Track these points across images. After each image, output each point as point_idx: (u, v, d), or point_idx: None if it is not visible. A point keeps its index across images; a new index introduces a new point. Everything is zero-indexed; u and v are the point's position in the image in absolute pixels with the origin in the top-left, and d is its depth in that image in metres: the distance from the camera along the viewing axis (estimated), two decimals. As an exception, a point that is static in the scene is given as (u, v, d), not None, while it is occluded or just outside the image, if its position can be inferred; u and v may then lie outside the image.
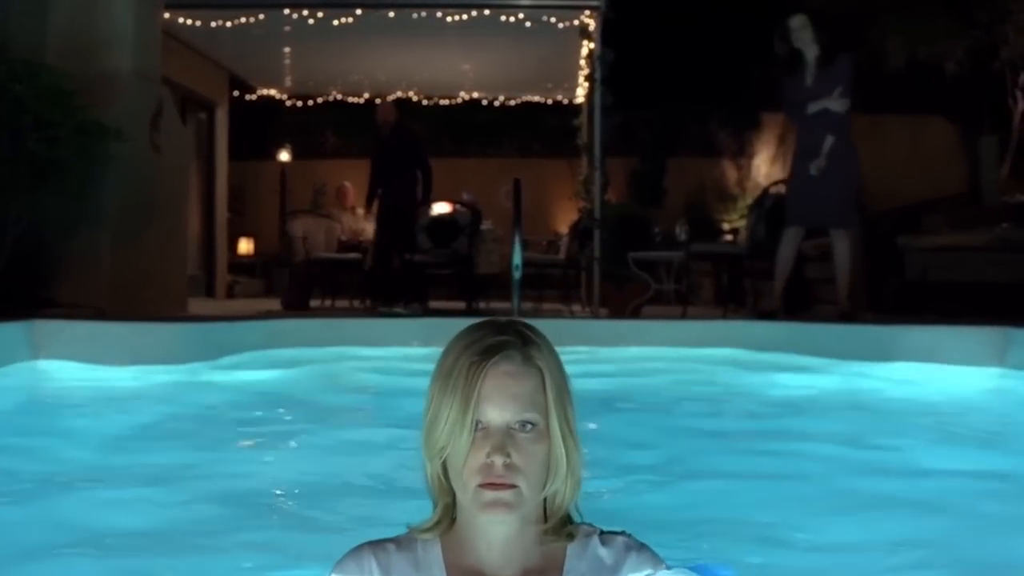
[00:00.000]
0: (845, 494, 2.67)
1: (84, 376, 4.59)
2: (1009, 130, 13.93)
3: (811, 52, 7.43)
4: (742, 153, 17.53)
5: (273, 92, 15.36)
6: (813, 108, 7.27)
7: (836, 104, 7.24)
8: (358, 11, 10.86)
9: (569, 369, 1.36)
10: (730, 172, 17.32)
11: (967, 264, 8.57)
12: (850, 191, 7.52)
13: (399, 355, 5.69)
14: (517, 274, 7.32)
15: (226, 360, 5.21)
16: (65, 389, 4.41)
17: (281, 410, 4.04)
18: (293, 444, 3.29)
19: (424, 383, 1.35)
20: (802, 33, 7.43)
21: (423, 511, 1.40)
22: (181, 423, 3.66)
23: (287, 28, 11.59)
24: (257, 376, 4.93)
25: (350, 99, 15.71)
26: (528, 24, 11.05)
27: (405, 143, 10.11)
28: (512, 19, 10.97)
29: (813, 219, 7.58)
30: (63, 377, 4.60)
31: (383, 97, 15.06)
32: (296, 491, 2.71)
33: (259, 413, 3.88)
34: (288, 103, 16.02)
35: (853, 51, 8.15)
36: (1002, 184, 13.69)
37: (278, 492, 2.69)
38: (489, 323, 1.40)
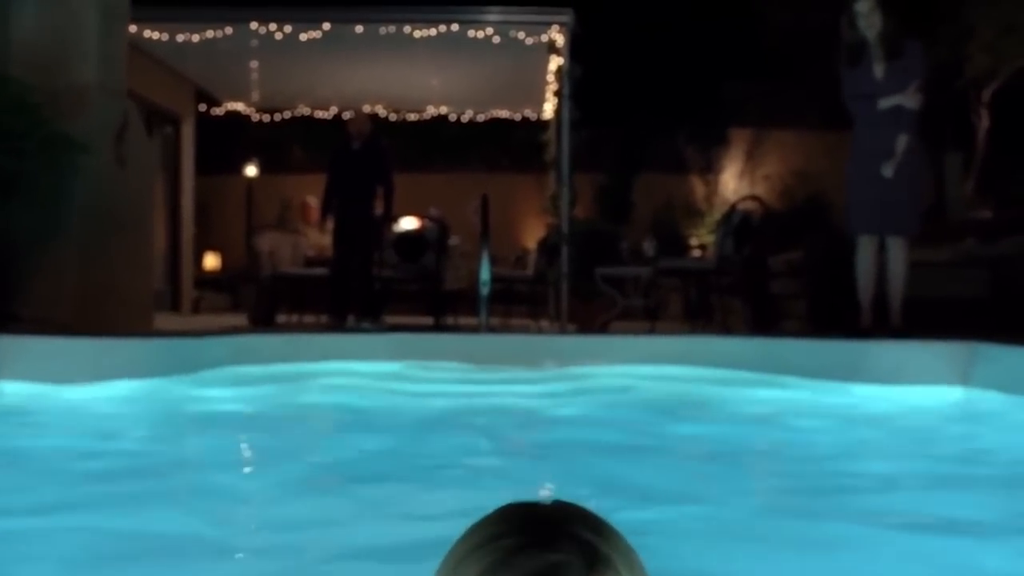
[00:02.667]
0: (809, 511, 2.66)
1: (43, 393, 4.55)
2: (973, 147, 14.13)
3: (879, 40, 6.61)
4: (709, 169, 17.71)
5: (240, 106, 15.31)
6: (885, 104, 6.55)
7: (911, 100, 6.53)
8: (326, 26, 10.87)
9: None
10: (697, 188, 17.48)
11: (932, 280, 8.58)
12: (919, 195, 6.94)
13: (367, 370, 5.70)
14: (485, 290, 7.29)
15: (197, 376, 5.19)
16: (24, 404, 4.36)
17: (248, 426, 4.01)
18: (261, 460, 3.27)
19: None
20: (870, 17, 6.59)
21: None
22: (148, 440, 3.62)
23: (254, 42, 11.58)
24: (225, 392, 4.90)
25: (317, 114, 15.69)
26: (496, 40, 11.09)
27: (375, 156, 9.91)
28: (480, 35, 11.02)
29: (883, 226, 6.76)
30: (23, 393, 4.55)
31: (352, 111, 15.07)
32: (265, 506, 2.67)
33: (226, 430, 3.85)
34: (255, 118, 15.97)
35: (919, 40, 7.21)
36: (966, 200, 13.87)
37: (247, 507, 2.67)
38: (525, 516, 0.85)
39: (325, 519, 2.51)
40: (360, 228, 9.62)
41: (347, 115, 10.68)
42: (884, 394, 5.15)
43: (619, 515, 2.21)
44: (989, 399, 4.86)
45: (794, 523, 2.51)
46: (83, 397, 4.54)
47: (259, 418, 4.25)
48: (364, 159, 9.79)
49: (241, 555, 2.26)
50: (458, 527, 0.85)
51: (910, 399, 5.05)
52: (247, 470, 3.20)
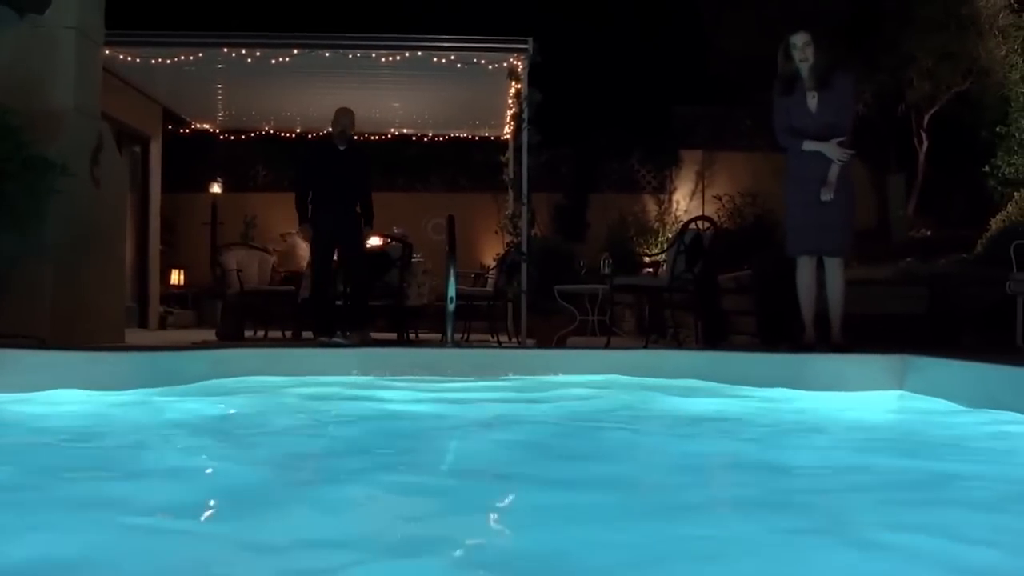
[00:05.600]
0: (755, 503, 2.78)
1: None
2: (914, 169, 14.64)
3: (812, 73, 6.96)
4: (662, 188, 18.12)
5: (206, 126, 15.53)
6: (809, 147, 6.88)
7: (835, 152, 6.86)
8: (295, 51, 11.13)
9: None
10: (650, 207, 17.87)
11: (874, 297, 8.93)
12: (852, 218, 7.19)
13: (340, 383, 5.94)
14: (452, 306, 7.53)
15: (176, 388, 5.42)
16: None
17: (223, 438, 4.03)
18: (235, 470, 3.24)
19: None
20: (805, 50, 6.93)
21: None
22: (128, 448, 3.67)
23: (223, 65, 11.79)
24: (204, 405, 5.09)
25: (282, 134, 15.95)
26: (459, 66, 11.41)
27: (362, 160, 9.34)
28: (444, 61, 11.33)
29: (818, 248, 7.08)
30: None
31: (316, 132, 15.36)
32: (237, 517, 2.55)
33: (204, 441, 3.95)
34: (221, 137, 16.19)
35: (850, 69, 7.66)
36: (909, 220, 14.37)
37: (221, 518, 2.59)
38: None
39: (300, 523, 2.49)
40: (353, 236, 9.08)
41: (339, 107, 9.54)
42: (827, 401, 5.49)
43: (572, 511, 2.49)
44: (920, 404, 5.29)
45: (742, 513, 2.66)
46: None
47: (234, 430, 4.25)
48: (351, 161, 9.18)
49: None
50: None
51: (851, 405, 5.41)
52: (223, 476, 3.18)
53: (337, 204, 9.07)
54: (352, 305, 9.34)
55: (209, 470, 3.27)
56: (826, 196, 6.85)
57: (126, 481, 2.96)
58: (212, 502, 2.69)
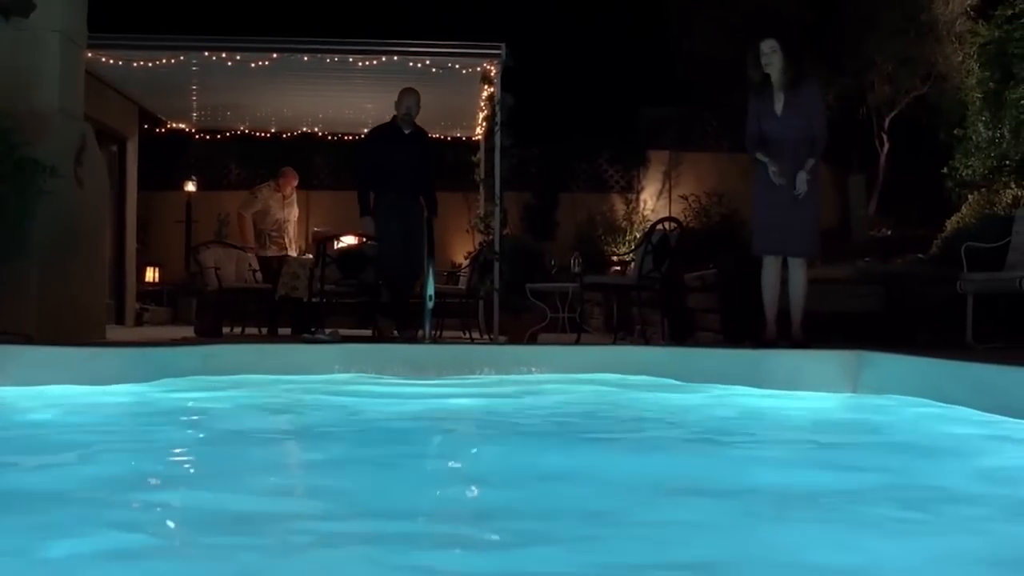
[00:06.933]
0: (715, 492, 2.93)
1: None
2: (876, 170, 14.99)
3: (779, 78, 7.31)
4: (630, 188, 18.39)
5: (182, 125, 15.69)
6: (777, 180, 7.19)
7: (803, 185, 7.15)
8: (274, 55, 11.33)
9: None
10: (618, 206, 18.12)
11: (833, 295, 9.19)
12: (817, 220, 7.44)
13: (324, 379, 6.20)
14: (431, 304, 7.76)
15: (167, 382, 5.66)
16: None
17: (212, 433, 4.10)
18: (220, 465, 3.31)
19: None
20: (771, 56, 7.27)
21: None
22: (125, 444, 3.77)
23: (200, 68, 11.95)
24: (195, 398, 5.32)
25: (257, 133, 16.14)
26: (435, 70, 11.63)
27: (427, 145, 8.78)
28: (420, 65, 11.55)
29: (783, 248, 7.38)
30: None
31: (290, 132, 15.55)
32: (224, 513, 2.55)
33: (197, 436, 4.02)
34: (196, 136, 16.35)
35: (816, 78, 7.94)
36: (869, 220, 14.73)
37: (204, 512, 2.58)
38: None
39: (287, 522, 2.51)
40: (418, 228, 8.47)
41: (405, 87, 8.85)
42: (786, 396, 5.78)
43: (545, 499, 2.71)
44: (873, 398, 5.64)
45: (699, 501, 2.80)
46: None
47: (224, 424, 4.35)
48: (417, 147, 8.58)
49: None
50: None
51: (808, 399, 5.74)
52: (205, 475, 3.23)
53: (403, 193, 8.52)
54: (403, 302, 8.86)
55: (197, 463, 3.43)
56: (801, 188, 7.13)
57: (120, 478, 3.05)
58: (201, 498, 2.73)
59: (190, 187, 16.83)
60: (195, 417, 4.51)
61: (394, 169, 8.44)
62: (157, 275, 16.56)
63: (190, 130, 16.05)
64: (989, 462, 3.59)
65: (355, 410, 4.84)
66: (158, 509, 2.56)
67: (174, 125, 15.56)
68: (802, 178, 7.13)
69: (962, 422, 4.50)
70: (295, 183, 11.62)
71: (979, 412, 4.61)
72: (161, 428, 4.15)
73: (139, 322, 14.06)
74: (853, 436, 4.46)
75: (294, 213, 11.67)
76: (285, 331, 10.67)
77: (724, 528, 2.47)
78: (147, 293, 15.73)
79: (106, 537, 2.21)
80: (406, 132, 8.56)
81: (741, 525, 2.51)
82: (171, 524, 2.44)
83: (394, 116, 8.81)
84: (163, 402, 4.95)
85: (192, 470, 3.23)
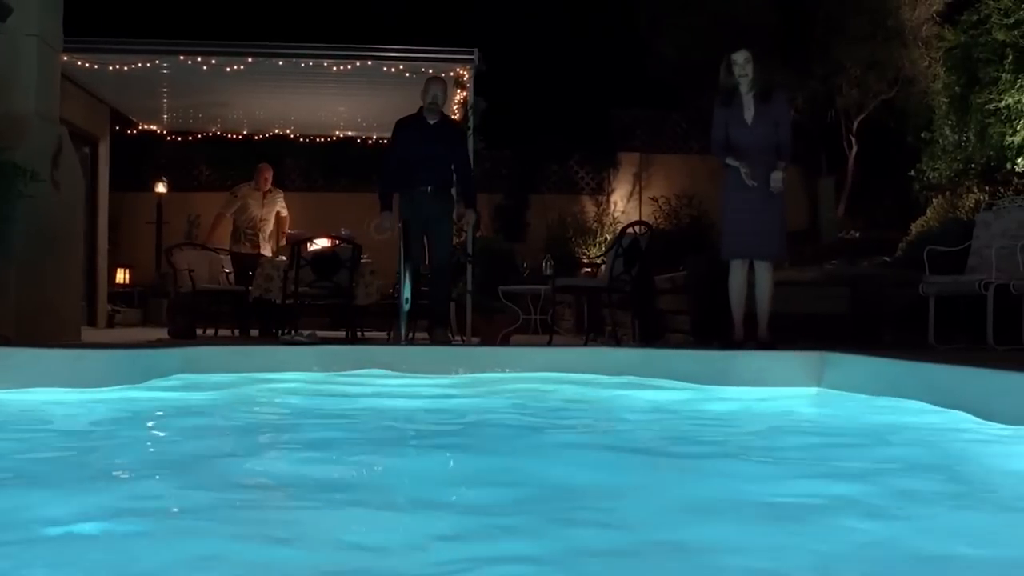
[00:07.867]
0: (685, 483, 3.09)
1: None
2: (844, 173, 15.21)
3: (750, 88, 7.51)
4: (600, 190, 18.52)
5: (153, 127, 15.72)
6: (750, 181, 7.35)
7: (778, 184, 7.36)
8: (249, 59, 11.41)
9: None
10: (589, 208, 18.25)
11: (799, 297, 9.37)
12: (784, 224, 7.61)
13: (302, 379, 6.32)
14: (407, 307, 7.84)
15: (152, 383, 5.76)
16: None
17: (200, 433, 4.16)
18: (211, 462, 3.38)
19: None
20: (745, 67, 7.46)
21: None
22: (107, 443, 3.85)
23: (174, 71, 12.03)
24: (181, 396, 5.42)
25: (228, 135, 16.19)
26: (408, 75, 11.75)
27: (456, 135, 8.53)
28: (393, 70, 11.67)
29: (751, 252, 7.55)
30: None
31: (262, 134, 15.60)
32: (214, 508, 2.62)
33: (180, 436, 4.07)
34: (168, 138, 16.38)
35: (787, 88, 8.06)
36: (838, 222, 14.94)
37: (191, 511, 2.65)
38: None
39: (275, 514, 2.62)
40: (444, 225, 8.31)
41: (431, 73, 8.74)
42: (752, 394, 5.94)
43: (519, 496, 2.84)
44: (836, 397, 5.84)
45: (675, 492, 2.96)
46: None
47: (208, 422, 4.47)
48: (444, 137, 8.26)
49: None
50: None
51: (774, 397, 5.92)
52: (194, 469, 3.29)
53: (429, 186, 8.19)
54: (433, 302, 8.59)
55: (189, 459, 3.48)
56: (776, 184, 7.32)
57: (114, 474, 3.17)
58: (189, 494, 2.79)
59: (161, 188, 16.81)
60: (184, 418, 4.60)
61: (420, 161, 8.12)
62: (127, 276, 16.53)
63: (161, 131, 16.08)
64: (925, 449, 3.90)
65: (345, 408, 4.97)
66: (156, 507, 2.65)
67: (146, 126, 15.59)
68: (777, 176, 7.31)
69: (915, 412, 4.87)
70: (268, 175, 11.53)
71: (932, 405, 4.90)
72: (152, 431, 4.24)
73: (111, 324, 14.06)
74: (816, 428, 4.64)
75: (272, 212, 11.69)
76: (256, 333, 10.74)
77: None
78: (118, 294, 15.70)
79: (106, 537, 2.29)
80: (432, 123, 8.23)
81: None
82: (171, 524, 2.52)
83: (420, 107, 8.39)
84: (152, 404, 5.04)
85: (177, 470, 3.29)
